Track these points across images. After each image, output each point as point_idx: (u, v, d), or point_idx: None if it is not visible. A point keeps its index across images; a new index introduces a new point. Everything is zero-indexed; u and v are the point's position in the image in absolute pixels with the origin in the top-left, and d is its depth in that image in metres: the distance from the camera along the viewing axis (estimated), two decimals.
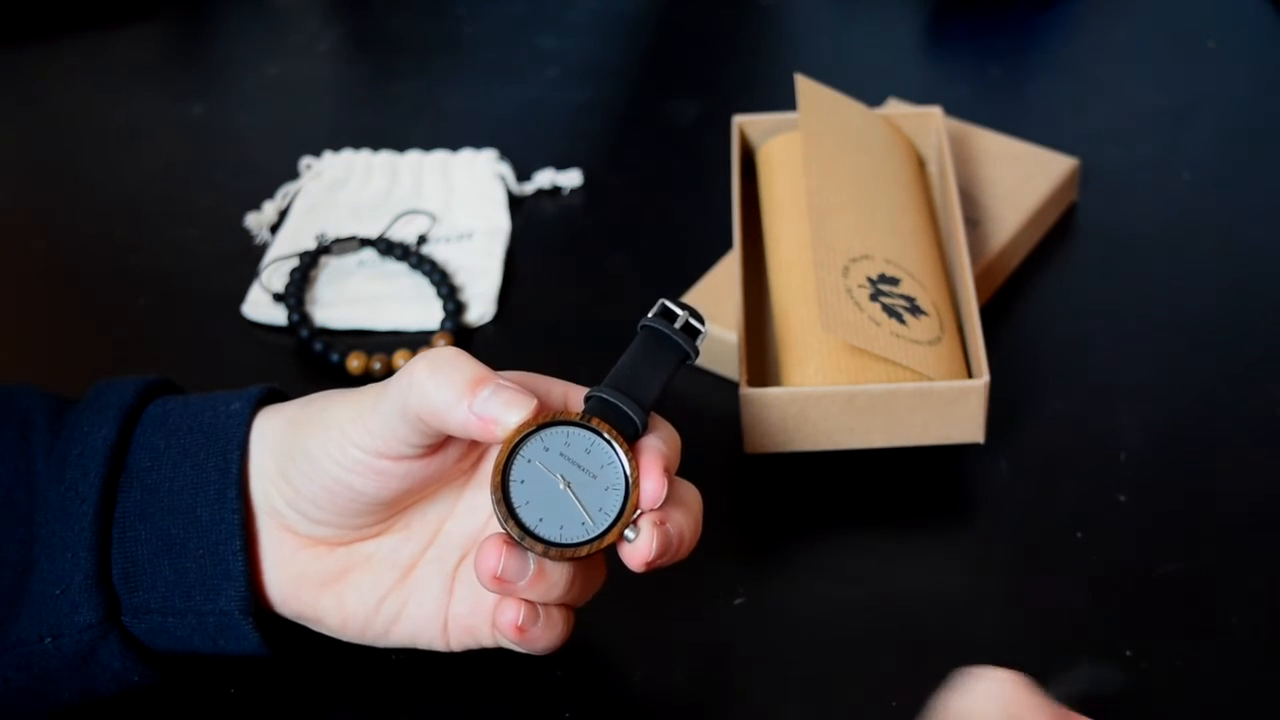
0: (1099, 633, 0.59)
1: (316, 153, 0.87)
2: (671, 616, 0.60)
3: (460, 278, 0.78)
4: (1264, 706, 0.55)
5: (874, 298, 0.65)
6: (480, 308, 0.76)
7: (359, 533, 0.53)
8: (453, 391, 0.48)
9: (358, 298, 0.77)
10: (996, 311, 0.74)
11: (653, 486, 0.49)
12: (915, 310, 0.65)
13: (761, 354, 0.69)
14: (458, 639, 0.54)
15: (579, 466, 0.49)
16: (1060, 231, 0.80)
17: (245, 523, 0.52)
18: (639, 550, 0.49)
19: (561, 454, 0.49)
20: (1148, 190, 0.83)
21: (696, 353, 0.52)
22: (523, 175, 0.86)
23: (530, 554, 0.49)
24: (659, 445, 0.50)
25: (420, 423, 0.49)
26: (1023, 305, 0.75)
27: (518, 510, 0.49)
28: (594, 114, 0.93)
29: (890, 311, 0.64)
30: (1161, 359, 0.72)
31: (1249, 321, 0.74)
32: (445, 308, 0.75)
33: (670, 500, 0.50)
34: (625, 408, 0.50)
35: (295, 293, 0.76)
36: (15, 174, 0.92)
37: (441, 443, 0.51)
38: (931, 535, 0.64)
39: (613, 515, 0.49)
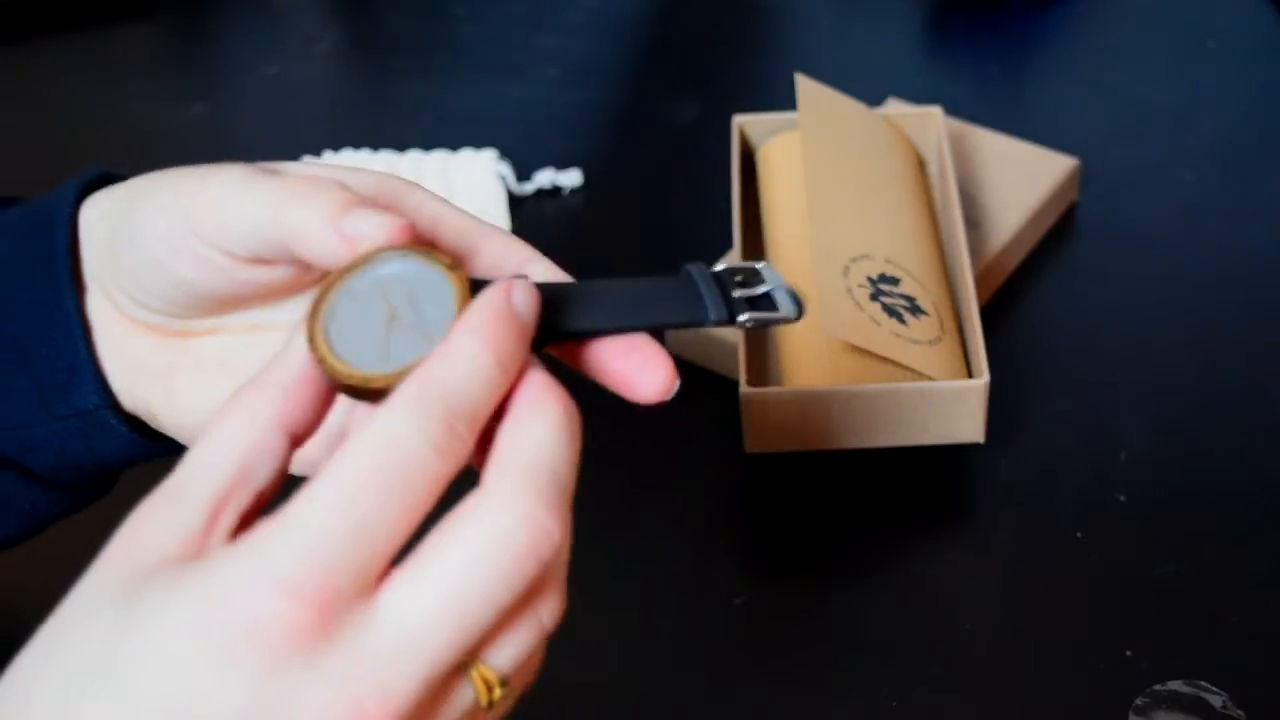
0: (1099, 632, 0.59)
1: (316, 153, 0.87)
2: (671, 616, 0.60)
3: None
4: (1264, 706, 0.55)
5: (874, 297, 0.65)
6: None
7: (188, 324, 0.47)
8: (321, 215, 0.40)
9: None
10: (996, 311, 0.74)
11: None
12: (915, 310, 0.65)
13: (761, 354, 0.69)
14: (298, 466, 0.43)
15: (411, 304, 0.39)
16: (1060, 231, 0.80)
17: (80, 307, 0.46)
18: None
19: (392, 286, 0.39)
20: (1148, 190, 0.83)
21: (729, 321, 0.40)
22: (523, 175, 0.86)
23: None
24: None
25: (273, 244, 0.41)
26: (1023, 305, 0.75)
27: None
28: (594, 114, 0.93)
29: (890, 311, 0.64)
30: (1161, 359, 0.72)
31: (1249, 321, 0.74)
32: None
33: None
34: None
35: None
36: (14, 173, 0.92)
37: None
38: (931, 535, 0.64)
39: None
